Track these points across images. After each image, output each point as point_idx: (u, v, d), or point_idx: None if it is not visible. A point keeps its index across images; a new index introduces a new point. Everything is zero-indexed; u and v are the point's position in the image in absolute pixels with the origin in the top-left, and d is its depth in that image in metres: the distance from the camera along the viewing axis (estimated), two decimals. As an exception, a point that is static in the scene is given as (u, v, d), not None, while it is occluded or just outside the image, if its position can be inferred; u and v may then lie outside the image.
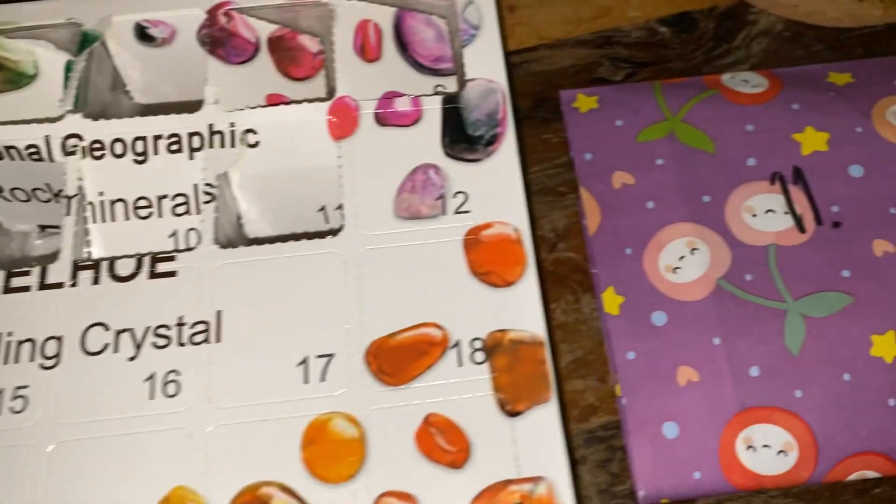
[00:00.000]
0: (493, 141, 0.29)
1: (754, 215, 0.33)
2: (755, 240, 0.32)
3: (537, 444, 0.24)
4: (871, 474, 0.29)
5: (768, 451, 0.29)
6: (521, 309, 0.26)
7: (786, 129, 0.35)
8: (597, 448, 0.31)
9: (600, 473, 0.31)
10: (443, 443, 0.24)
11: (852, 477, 0.29)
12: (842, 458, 0.29)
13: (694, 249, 0.32)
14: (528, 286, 0.26)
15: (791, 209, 0.33)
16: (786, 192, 0.33)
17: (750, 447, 0.29)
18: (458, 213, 0.27)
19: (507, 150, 0.28)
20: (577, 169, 0.35)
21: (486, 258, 0.27)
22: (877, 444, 0.29)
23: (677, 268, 0.32)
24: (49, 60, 0.31)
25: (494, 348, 0.25)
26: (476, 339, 0.26)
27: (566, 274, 0.34)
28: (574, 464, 0.31)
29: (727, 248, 0.32)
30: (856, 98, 0.35)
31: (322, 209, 0.31)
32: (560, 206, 0.36)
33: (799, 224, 0.32)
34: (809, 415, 0.29)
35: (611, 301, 0.32)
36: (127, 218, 0.29)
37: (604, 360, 0.32)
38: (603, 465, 0.31)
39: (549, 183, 0.36)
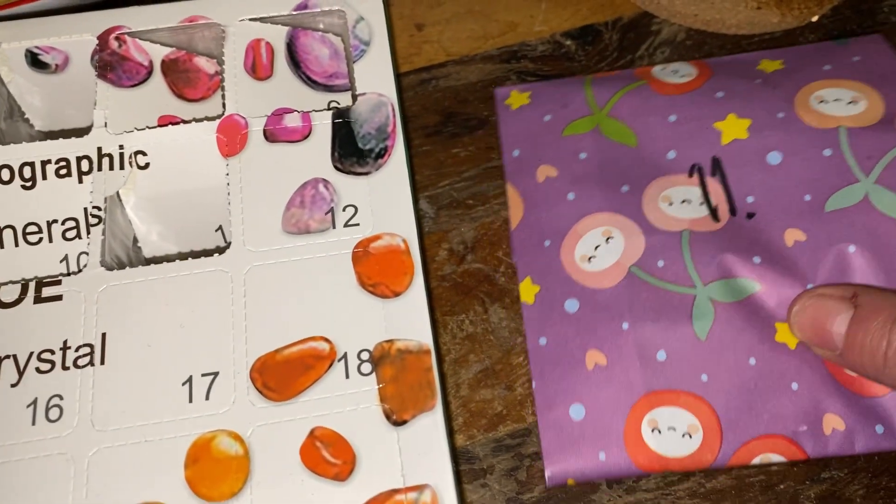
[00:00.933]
0: (382, 154, 0.29)
1: (670, 204, 0.33)
2: (669, 225, 0.32)
3: (422, 452, 0.24)
4: (774, 457, 0.29)
5: (673, 434, 0.29)
6: (409, 318, 0.26)
7: (708, 117, 0.34)
8: (504, 457, 0.31)
9: (508, 482, 0.30)
10: (328, 456, 0.24)
11: (756, 460, 0.29)
12: (746, 440, 0.29)
13: (609, 238, 0.32)
14: (416, 295, 0.26)
15: (707, 200, 0.33)
16: (703, 185, 0.33)
17: (655, 429, 0.29)
18: (347, 226, 0.28)
19: (397, 162, 0.29)
20: (506, 166, 0.35)
21: (375, 270, 0.27)
22: (780, 426, 0.29)
23: (592, 257, 0.32)
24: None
25: (381, 359, 0.25)
26: (363, 350, 0.26)
27: (474, 285, 0.34)
28: (483, 473, 0.31)
29: (642, 234, 0.32)
30: (782, 84, 0.35)
31: (219, 229, 0.31)
32: (469, 219, 0.36)
33: (714, 214, 0.33)
34: (715, 398, 0.30)
35: (527, 290, 0.32)
36: (16, 245, 0.29)
37: (511, 368, 0.32)
38: (510, 474, 0.31)
39: (457, 196, 0.36)
